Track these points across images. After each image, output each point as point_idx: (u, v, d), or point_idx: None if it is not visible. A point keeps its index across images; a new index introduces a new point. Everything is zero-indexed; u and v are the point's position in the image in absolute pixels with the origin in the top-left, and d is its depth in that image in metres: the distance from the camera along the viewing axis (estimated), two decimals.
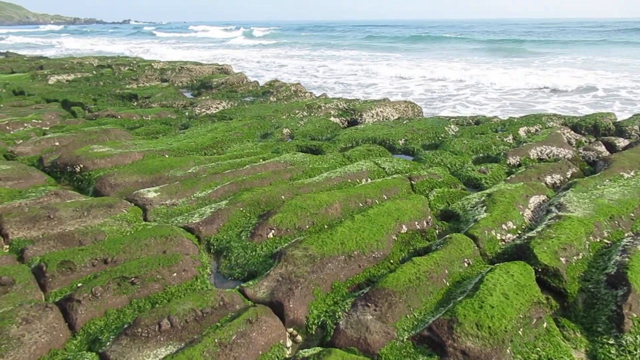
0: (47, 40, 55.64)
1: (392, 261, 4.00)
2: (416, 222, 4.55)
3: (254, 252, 4.14)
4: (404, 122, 8.48)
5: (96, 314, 3.17)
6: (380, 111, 9.37)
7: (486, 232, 4.24)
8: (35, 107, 10.28)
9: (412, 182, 5.59)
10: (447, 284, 3.59)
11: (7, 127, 8.13)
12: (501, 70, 22.61)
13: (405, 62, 27.62)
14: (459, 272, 3.74)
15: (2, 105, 10.41)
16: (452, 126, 8.15)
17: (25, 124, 8.40)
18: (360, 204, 4.97)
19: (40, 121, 8.63)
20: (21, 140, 7.54)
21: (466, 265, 3.83)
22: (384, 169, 6.07)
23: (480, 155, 6.83)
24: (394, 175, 5.80)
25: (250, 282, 3.57)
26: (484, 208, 4.70)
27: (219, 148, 7.30)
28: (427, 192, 5.47)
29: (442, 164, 6.42)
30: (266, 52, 38.20)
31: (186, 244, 4.08)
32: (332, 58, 31.62)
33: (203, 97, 11.67)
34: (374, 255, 3.95)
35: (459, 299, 3.28)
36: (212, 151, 7.18)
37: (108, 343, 2.88)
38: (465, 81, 19.24)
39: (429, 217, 4.72)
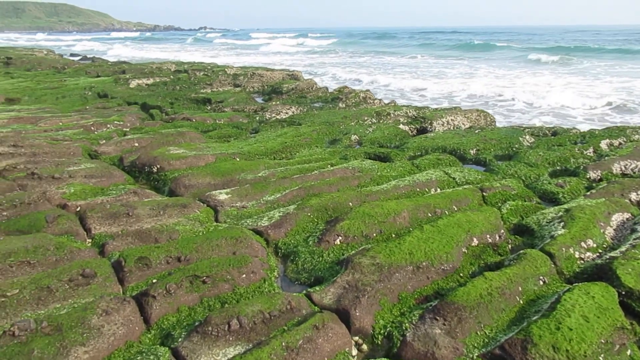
0: (102, 47, 57.92)
1: (461, 274, 3.89)
2: (488, 236, 4.40)
3: (320, 258, 4.15)
4: (476, 131, 8.25)
5: (169, 309, 3.28)
6: (451, 119, 9.17)
7: (564, 249, 4.03)
8: (117, 109, 10.88)
9: (484, 193, 5.42)
10: (521, 301, 3.44)
11: (92, 128, 8.66)
12: (548, 78, 21.73)
13: (455, 71, 26.98)
14: (533, 290, 3.57)
15: (88, 107, 11.11)
16: (527, 137, 7.84)
17: (108, 125, 8.91)
18: (429, 214, 4.87)
19: (121, 123, 9.13)
20: (104, 140, 8.00)
21: (541, 283, 3.66)
22: (454, 179, 5.93)
23: (558, 168, 6.52)
24: (465, 186, 5.64)
25: (317, 288, 3.59)
26: (561, 224, 4.47)
27: (288, 153, 7.40)
28: (499, 204, 5.28)
29: (516, 175, 6.18)
30: (317, 59, 38.28)
31: (255, 246, 4.15)
32: (383, 65, 31.33)
33: (273, 102, 11.90)
34: (443, 267, 3.86)
35: (534, 318, 3.13)
36: (282, 156, 7.29)
37: (180, 339, 2.98)
38: (507, 89, 18.60)
39: (502, 230, 4.55)
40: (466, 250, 4.14)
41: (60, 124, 8.95)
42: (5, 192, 5.16)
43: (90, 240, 4.35)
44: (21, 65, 21.81)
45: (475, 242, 4.27)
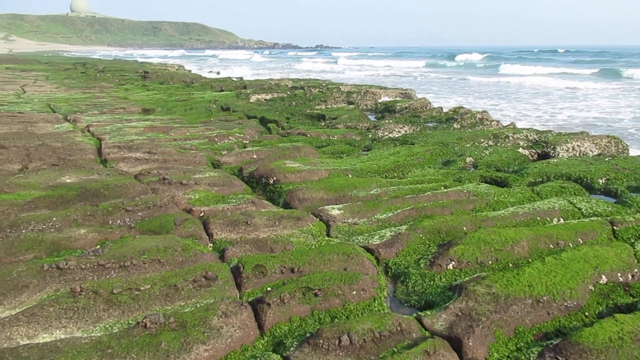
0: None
1: (587, 314, 3.60)
2: (619, 274, 4.03)
3: (432, 282, 4.06)
4: (606, 159, 7.64)
5: (282, 318, 3.39)
6: (577, 145, 8.57)
7: None
8: (238, 122, 11.54)
9: (615, 227, 4.98)
10: None
11: (216, 139, 9.25)
12: None
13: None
14: None
15: (212, 119, 11.89)
16: None
17: (230, 137, 9.47)
18: (551, 245, 4.58)
19: (242, 135, 9.66)
20: (226, 151, 8.51)
21: None
22: (579, 209, 5.52)
23: None
24: (592, 218, 5.23)
25: (428, 312, 3.51)
26: None
27: (400, 172, 7.36)
28: (632, 240, 4.82)
29: None
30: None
31: (366, 264, 4.17)
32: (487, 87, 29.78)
33: (386, 121, 11.93)
34: (566, 304, 3.59)
35: None
36: (393, 174, 7.27)
37: (291, 348, 3.07)
38: None
39: (636, 270, 4.15)
40: (593, 288, 3.83)
41: (188, 134, 9.67)
42: (140, 194, 5.68)
43: (211, 245, 4.64)
44: (156, 79, 23.95)
45: (603, 279, 3.93)
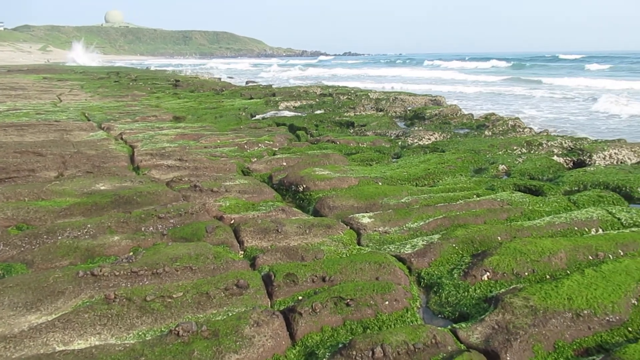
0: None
1: (630, 329, 3.45)
2: None
3: (466, 293, 3.97)
4: None
5: (314, 328, 3.36)
6: (615, 153, 8.32)
7: None
8: (268, 129, 11.60)
9: None
10: None
11: (245, 146, 9.30)
12: None
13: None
14: None
15: (242, 127, 11.98)
16: None
17: (260, 144, 9.51)
18: (590, 257, 4.43)
19: (271, 142, 9.70)
20: (255, 159, 8.55)
21: None
22: (619, 219, 5.33)
23: None
24: (633, 229, 5.04)
25: (463, 324, 3.43)
26: None
27: (431, 180, 7.27)
28: None
29: None
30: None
31: (398, 273, 4.10)
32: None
33: (416, 128, 11.83)
34: (607, 318, 3.46)
35: None
36: (424, 182, 7.18)
37: (324, 359, 3.03)
38: None
39: None
40: (636, 302, 3.67)
41: (218, 141, 9.76)
42: (172, 201, 5.73)
43: (242, 253, 4.64)
44: (187, 87, 24.32)
45: None
